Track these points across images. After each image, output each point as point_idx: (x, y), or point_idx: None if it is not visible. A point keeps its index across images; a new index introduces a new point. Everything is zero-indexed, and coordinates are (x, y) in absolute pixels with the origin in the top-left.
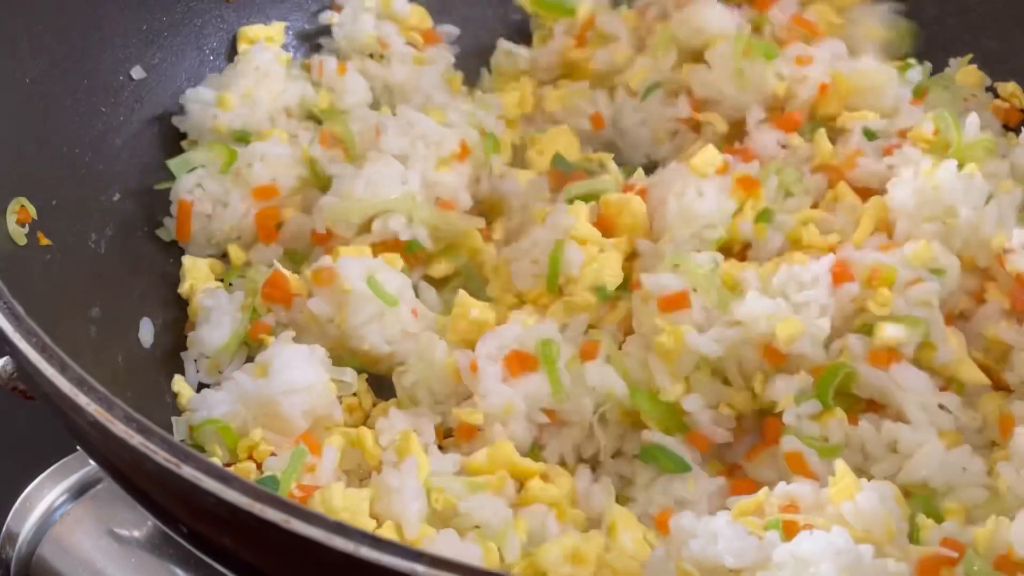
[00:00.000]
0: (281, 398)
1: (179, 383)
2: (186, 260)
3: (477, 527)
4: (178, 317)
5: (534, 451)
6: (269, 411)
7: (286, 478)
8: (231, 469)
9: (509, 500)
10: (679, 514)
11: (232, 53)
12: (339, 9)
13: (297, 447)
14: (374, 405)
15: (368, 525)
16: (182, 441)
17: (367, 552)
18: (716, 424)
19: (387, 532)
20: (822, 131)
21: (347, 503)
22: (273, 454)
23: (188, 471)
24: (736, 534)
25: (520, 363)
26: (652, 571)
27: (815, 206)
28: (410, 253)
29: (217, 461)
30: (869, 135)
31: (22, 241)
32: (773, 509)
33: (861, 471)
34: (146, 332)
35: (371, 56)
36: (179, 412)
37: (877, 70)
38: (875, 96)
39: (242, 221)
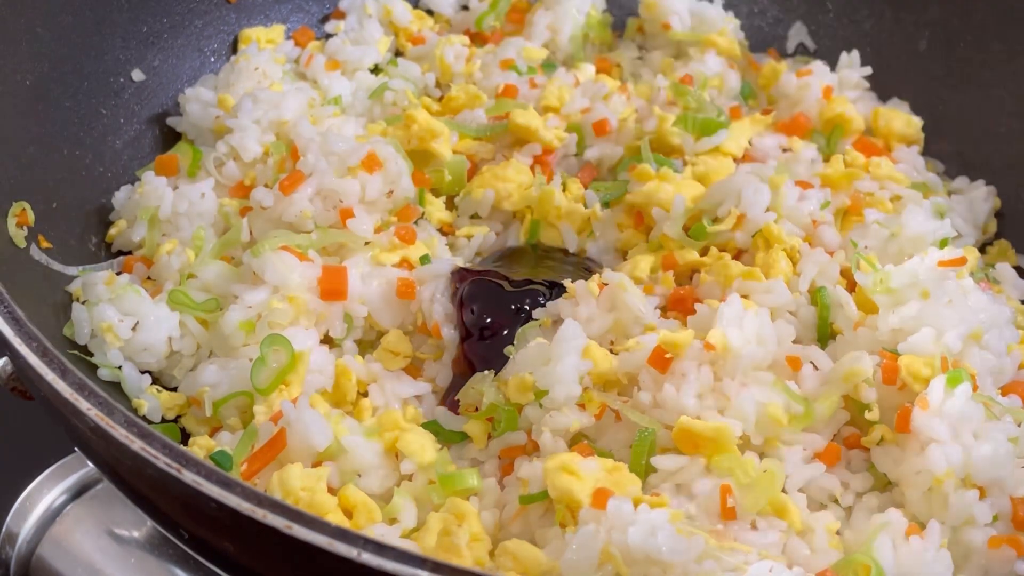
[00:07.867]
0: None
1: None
2: None
3: None
4: None
5: None
6: None
7: (237, 453)
8: None
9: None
10: (619, 498)
11: (233, 55)
12: (342, 16)
13: (249, 426)
14: None
15: (327, 503)
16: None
17: (368, 558)
18: None
19: (346, 503)
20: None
21: (305, 482)
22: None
23: (189, 476)
24: (673, 531)
25: None
26: (578, 544)
27: None
28: None
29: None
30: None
31: (22, 244)
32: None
33: None
34: None
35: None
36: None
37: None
38: None
39: None
